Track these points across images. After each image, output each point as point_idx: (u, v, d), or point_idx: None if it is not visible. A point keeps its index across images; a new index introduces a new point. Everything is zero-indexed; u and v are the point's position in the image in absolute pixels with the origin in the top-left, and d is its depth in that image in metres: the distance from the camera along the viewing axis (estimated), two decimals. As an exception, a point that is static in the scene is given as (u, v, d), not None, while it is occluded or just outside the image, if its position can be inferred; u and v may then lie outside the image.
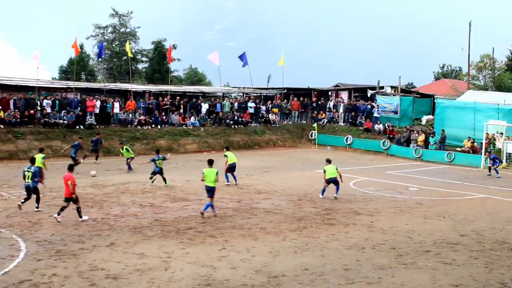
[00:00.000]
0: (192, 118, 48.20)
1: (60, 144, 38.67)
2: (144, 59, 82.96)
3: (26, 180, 21.75)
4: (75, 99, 43.93)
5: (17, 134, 38.59)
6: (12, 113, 40.06)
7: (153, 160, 28.47)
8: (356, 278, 14.58)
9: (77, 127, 41.89)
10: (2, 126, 38.87)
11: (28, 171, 21.77)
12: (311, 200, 25.41)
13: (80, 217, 20.37)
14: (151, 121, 45.94)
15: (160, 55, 75.00)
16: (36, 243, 17.10)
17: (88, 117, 42.83)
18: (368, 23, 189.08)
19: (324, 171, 25.94)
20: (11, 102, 40.95)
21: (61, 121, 41.41)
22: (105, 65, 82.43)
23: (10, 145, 36.81)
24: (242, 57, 52.08)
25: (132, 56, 55.75)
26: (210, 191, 21.83)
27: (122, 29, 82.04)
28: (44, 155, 27.64)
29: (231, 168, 29.35)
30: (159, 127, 45.89)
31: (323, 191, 26.08)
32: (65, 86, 48.66)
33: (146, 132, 44.43)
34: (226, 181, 29.02)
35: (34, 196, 21.87)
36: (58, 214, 20.13)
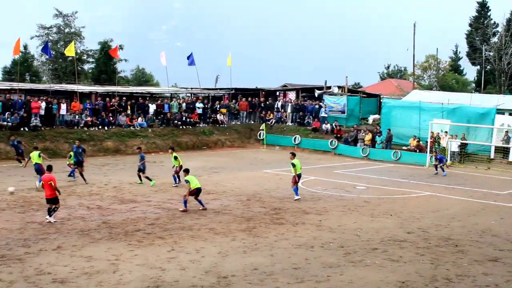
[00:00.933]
0: (140, 119, 47.79)
1: (4, 146, 37.85)
2: (90, 59, 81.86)
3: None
4: (20, 101, 43.06)
5: (-41, 137, 37.68)
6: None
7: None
8: (305, 277, 14.68)
9: (22, 129, 41.08)
10: None
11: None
12: (260, 200, 25.48)
13: (50, 216, 20.37)
14: (98, 122, 45.37)
15: (106, 56, 74.13)
16: (-21, 248, 16.74)
17: (33, 118, 42.04)
18: (316, 23, 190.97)
19: (294, 166, 25.49)
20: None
21: (5, 123, 40.56)
22: (50, 66, 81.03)
23: None
24: (189, 57, 51.91)
25: (77, 56, 54.93)
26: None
27: (67, 29, 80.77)
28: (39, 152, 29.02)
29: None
30: (106, 128, 45.34)
31: (297, 190, 25.72)
32: (9, 87, 47.67)
33: (93, 134, 43.86)
34: (174, 182, 28.97)
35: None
36: (50, 216, 20.29)
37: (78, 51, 72.42)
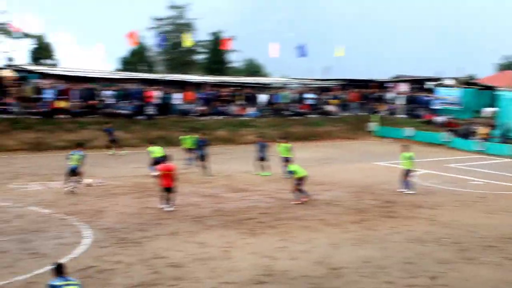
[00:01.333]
0: (251, 109, 48.29)
1: (121, 134, 39.28)
2: (202, 50, 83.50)
3: (71, 163, 23.78)
4: (136, 90, 44.56)
5: (80, 124, 39.38)
6: (75, 103, 40.93)
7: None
8: (418, 272, 14.42)
9: (137, 117, 42.49)
10: (66, 116, 39.75)
11: (73, 155, 23.91)
12: (371, 192, 25.18)
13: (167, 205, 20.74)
14: (210, 112, 46.24)
15: (218, 46, 75.45)
16: (100, 231, 17.47)
17: (148, 107, 43.37)
18: (429, 11, 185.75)
19: (409, 158, 25.06)
20: (74, 92, 41.87)
21: (122, 111, 42.06)
22: (164, 56, 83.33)
23: (74, 134, 37.50)
24: (300, 48, 51.86)
25: (190, 47, 56.11)
26: None
27: (180, 21, 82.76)
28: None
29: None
30: (218, 118, 46.14)
31: (407, 184, 25.22)
32: (126, 77, 49.46)
33: (205, 123, 44.72)
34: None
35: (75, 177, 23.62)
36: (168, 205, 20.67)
37: (191, 41, 73.96)
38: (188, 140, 31.76)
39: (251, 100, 49.63)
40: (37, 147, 35.32)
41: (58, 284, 9.52)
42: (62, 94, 40.99)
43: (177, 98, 45.80)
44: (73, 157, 24.00)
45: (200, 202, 22.25)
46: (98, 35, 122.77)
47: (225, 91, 49.34)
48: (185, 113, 45.23)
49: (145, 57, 78.76)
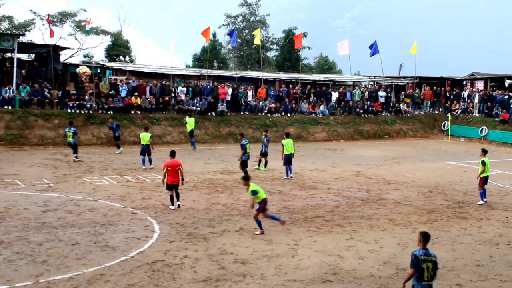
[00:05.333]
0: (322, 106, 48.08)
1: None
2: (274, 47, 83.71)
3: (68, 139, 30.04)
4: (208, 87, 45.02)
5: (153, 120, 40.05)
6: (148, 99, 41.67)
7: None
8: (489, 275, 14.06)
9: (209, 113, 42.91)
10: (138, 112, 40.51)
11: (69, 132, 29.88)
12: (443, 192, 24.69)
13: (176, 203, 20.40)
14: (281, 109, 46.28)
15: (290, 43, 75.48)
16: (168, 225, 17.72)
17: (219, 104, 43.74)
18: (507, 9, 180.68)
19: (484, 164, 22.80)
20: (147, 89, 42.66)
21: (194, 107, 42.54)
22: (236, 53, 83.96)
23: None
24: (372, 46, 51.22)
25: (261, 44, 56.31)
26: None
27: (252, 18, 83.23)
28: (151, 135, 29.77)
29: (287, 160, 27.49)
30: (288, 115, 46.14)
31: (484, 194, 22.83)
32: (198, 74, 50.08)
33: (276, 120, 44.80)
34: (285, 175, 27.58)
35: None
36: (172, 204, 20.31)
37: (263, 38, 74.23)
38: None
39: (322, 98, 49.39)
40: (111, 142, 36.05)
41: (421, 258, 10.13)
42: (136, 90, 41.81)
43: (248, 95, 46.04)
44: (68, 134, 29.92)
45: (268, 199, 22.17)
46: (171, 32, 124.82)
47: (297, 89, 49.27)
48: (256, 110, 45.38)
49: (217, 54, 79.47)
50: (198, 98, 43.17)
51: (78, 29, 65.14)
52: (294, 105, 47.37)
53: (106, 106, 39.73)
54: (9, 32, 55.20)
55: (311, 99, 49.05)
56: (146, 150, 28.79)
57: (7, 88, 37.48)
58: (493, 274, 14.13)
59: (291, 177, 26.99)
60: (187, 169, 26.43)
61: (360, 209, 20.89)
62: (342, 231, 17.74)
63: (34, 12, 63.13)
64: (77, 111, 38.41)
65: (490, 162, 23.56)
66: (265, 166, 29.29)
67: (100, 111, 39.27)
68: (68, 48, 52.27)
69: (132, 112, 40.41)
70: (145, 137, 28.94)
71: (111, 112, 39.08)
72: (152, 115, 40.72)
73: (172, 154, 20.72)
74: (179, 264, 14.14)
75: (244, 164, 26.82)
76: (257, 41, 51.14)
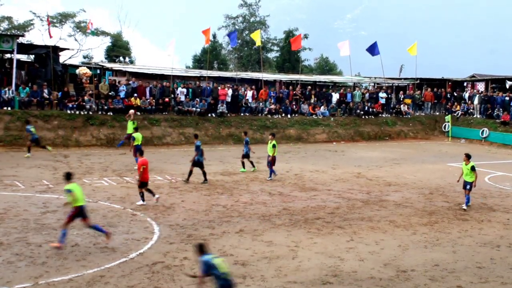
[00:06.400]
0: (322, 107, 48.01)
1: (192, 131, 39.67)
2: (274, 48, 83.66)
3: (34, 133, 31.41)
4: (208, 88, 44.96)
5: (153, 121, 39.97)
6: (148, 100, 41.60)
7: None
8: (490, 277, 14.01)
9: (209, 115, 42.84)
10: (138, 113, 40.42)
11: (32, 129, 31.43)
12: (443, 194, 24.63)
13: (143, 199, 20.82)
14: (281, 110, 46.21)
15: (290, 45, 75.50)
16: (168, 227, 17.67)
17: (219, 105, 43.68)
18: (508, 9, 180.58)
19: (474, 170, 21.87)
20: (147, 90, 42.58)
21: (194, 109, 42.49)
22: (236, 54, 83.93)
23: (146, 131, 38.08)
24: (372, 47, 51.12)
25: (261, 45, 56.26)
26: None
27: (252, 19, 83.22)
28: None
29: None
30: (289, 116, 46.07)
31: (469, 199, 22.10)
32: (198, 75, 50.05)
33: (276, 121, 44.73)
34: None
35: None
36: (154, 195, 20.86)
37: (263, 39, 74.18)
38: None
39: (323, 99, 49.33)
40: (110, 143, 36.01)
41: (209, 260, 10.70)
42: (135, 91, 41.74)
43: (248, 96, 45.98)
44: (33, 130, 31.41)
45: (269, 200, 22.23)
46: (171, 33, 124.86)
47: (297, 90, 49.21)
48: (256, 111, 45.32)
49: (217, 55, 79.43)
50: (198, 99, 43.12)
51: (78, 30, 65.10)
52: (294, 107, 47.30)
53: (105, 107, 39.65)
54: (9, 33, 55.17)
55: (312, 101, 48.98)
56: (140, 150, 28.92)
57: (7, 89, 37.40)
58: (494, 276, 14.08)
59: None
60: (186, 170, 26.39)
61: (360, 211, 20.83)
62: (343, 232, 17.68)
63: (34, 13, 63.08)
64: (77, 112, 38.32)
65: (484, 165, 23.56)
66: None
67: (99, 112, 39.17)
68: (68, 49, 52.19)
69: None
70: (139, 137, 29.14)
71: (111, 113, 39.01)
72: (152, 116, 40.64)
73: (142, 153, 21.85)
74: (179, 265, 14.10)
75: (199, 164, 25.95)
76: (257, 43, 51.08)
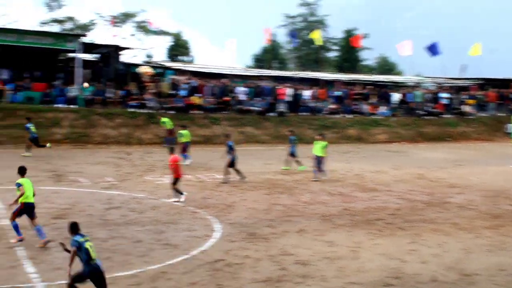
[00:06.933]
0: (383, 107, 47.57)
1: (252, 130, 39.84)
2: (334, 47, 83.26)
3: (33, 131, 30.12)
4: (268, 87, 45.05)
5: (213, 120, 40.32)
6: (208, 99, 41.96)
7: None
8: (559, 283, 13.63)
9: (269, 114, 42.93)
10: (199, 112, 40.82)
11: (31, 127, 30.08)
12: (509, 197, 24.01)
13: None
14: (341, 110, 45.98)
15: (350, 44, 75.02)
16: (229, 225, 17.75)
17: (279, 104, 43.72)
18: None
19: None
20: (208, 88, 42.94)
21: (254, 108, 42.65)
22: (295, 54, 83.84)
23: (206, 130, 38.47)
24: (432, 47, 50.30)
25: (321, 44, 56.00)
26: None
27: (312, 18, 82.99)
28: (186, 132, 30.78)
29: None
30: (349, 116, 45.80)
31: None
32: (258, 74, 50.20)
33: (336, 121, 44.54)
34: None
35: None
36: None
37: (322, 39, 73.99)
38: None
39: (383, 99, 48.91)
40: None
41: (80, 240, 10.80)
42: (196, 90, 42.17)
43: (308, 95, 45.90)
44: (32, 128, 30.17)
45: (329, 200, 22.13)
46: (230, 32, 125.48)
47: (357, 89, 48.90)
48: (316, 110, 45.21)
49: (277, 54, 79.53)
50: (258, 99, 43.27)
51: (140, 29, 66.15)
52: (354, 106, 46.97)
53: (167, 105, 40.15)
54: (72, 33, 56.43)
55: (372, 100, 48.57)
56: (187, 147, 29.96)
57: (72, 87, 38.29)
58: None
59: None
60: (247, 169, 26.53)
61: (422, 213, 20.51)
62: (404, 234, 17.44)
63: (98, 13, 64.42)
64: (139, 111, 38.93)
65: None
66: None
67: (161, 111, 39.71)
68: (130, 48, 53.07)
69: (193, 112, 40.73)
70: (187, 134, 30.05)
71: (173, 112, 39.49)
72: (212, 115, 40.97)
73: (173, 150, 22.52)
74: (240, 264, 14.14)
75: (232, 164, 25.88)
76: (317, 42, 50.95)
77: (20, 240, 15.02)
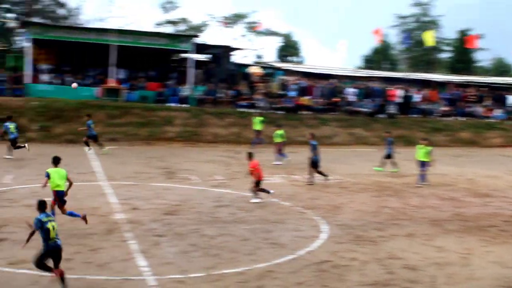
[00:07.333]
0: (498, 110, 45.99)
1: (361, 131, 39.44)
2: (447, 48, 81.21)
3: (13, 134, 27.43)
4: (378, 88, 44.52)
5: (322, 120, 40.25)
6: (317, 100, 41.95)
7: None
8: None
9: (378, 115, 42.43)
10: (308, 112, 40.87)
11: (10, 126, 27.48)
12: None
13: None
14: (453, 112, 44.83)
15: (464, 45, 72.88)
16: (336, 226, 17.66)
17: (389, 106, 43.11)
18: None
19: None
20: (317, 89, 42.94)
21: (363, 109, 42.27)
22: (407, 55, 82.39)
23: (316, 130, 38.29)
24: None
25: (433, 45, 54.72)
26: None
27: (424, 18, 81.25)
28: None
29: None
30: (462, 118, 44.57)
31: None
32: (368, 75, 49.70)
33: (448, 124, 43.44)
34: None
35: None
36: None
37: (435, 39, 72.36)
38: None
39: (498, 101, 47.25)
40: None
41: (44, 220, 11.38)
42: (305, 91, 42.26)
43: (419, 97, 45.02)
44: (11, 128, 27.45)
45: (439, 205, 21.60)
46: (340, 33, 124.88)
47: (470, 92, 47.49)
48: (427, 112, 44.28)
49: (388, 55, 78.45)
50: (368, 100, 42.87)
51: (250, 30, 66.97)
52: (467, 109, 45.65)
53: (276, 106, 40.46)
54: (185, 34, 57.86)
55: (487, 103, 47.04)
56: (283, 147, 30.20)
57: (184, 87, 39.30)
58: None
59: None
60: (356, 171, 26.33)
61: (540, 221, 19.66)
62: (520, 242, 16.79)
63: (210, 15, 65.77)
64: (248, 110, 39.42)
65: None
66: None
67: (270, 111, 40.02)
68: (240, 49, 53.83)
69: (302, 112, 40.84)
70: (282, 133, 30.38)
71: (282, 112, 39.73)
72: (321, 115, 40.92)
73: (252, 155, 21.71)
74: (347, 265, 14.05)
75: (314, 164, 25.26)
76: (430, 43, 49.84)
77: (84, 217, 15.55)
